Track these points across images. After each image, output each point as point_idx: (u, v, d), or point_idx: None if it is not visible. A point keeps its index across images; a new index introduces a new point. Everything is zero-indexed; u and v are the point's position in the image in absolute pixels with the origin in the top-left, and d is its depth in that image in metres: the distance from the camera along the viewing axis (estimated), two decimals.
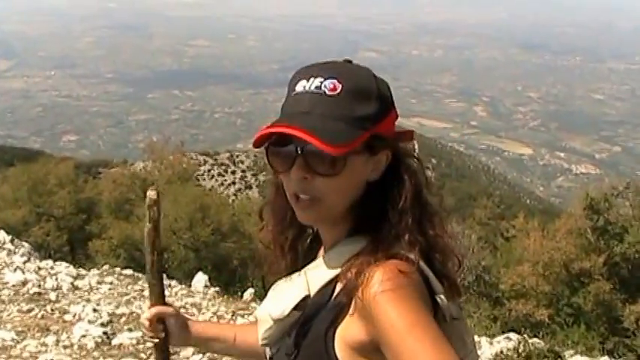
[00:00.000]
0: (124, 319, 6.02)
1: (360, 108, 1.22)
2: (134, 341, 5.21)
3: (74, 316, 5.84)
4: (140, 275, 7.96)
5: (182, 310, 6.69)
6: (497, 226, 22.35)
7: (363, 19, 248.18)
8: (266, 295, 1.40)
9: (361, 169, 1.24)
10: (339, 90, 1.21)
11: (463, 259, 1.34)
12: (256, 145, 1.25)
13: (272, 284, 1.39)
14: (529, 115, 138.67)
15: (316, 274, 1.30)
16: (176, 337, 1.60)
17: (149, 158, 24.34)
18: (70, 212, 19.22)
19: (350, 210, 1.28)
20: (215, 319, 6.54)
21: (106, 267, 8.81)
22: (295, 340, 1.29)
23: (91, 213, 20.04)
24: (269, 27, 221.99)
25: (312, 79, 1.23)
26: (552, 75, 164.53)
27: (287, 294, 1.32)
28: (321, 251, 1.38)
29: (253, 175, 53.79)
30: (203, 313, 6.69)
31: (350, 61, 1.30)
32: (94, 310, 5.88)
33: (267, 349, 1.42)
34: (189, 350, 5.08)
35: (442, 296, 1.24)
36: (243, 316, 6.68)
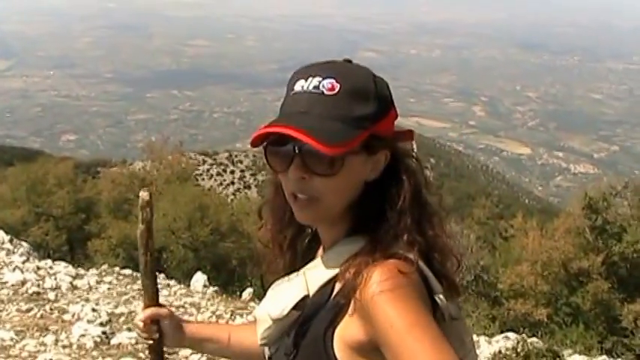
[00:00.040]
0: (122, 318, 6.02)
1: (358, 108, 1.21)
2: (133, 341, 5.21)
3: (73, 316, 5.84)
4: (139, 275, 7.94)
5: (181, 310, 6.71)
6: (496, 225, 22.36)
7: (362, 18, 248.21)
8: (265, 294, 1.40)
9: (359, 169, 1.24)
10: (337, 90, 1.21)
11: (462, 258, 1.34)
12: (254, 144, 1.25)
13: (271, 284, 1.39)
14: (528, 114, 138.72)
15: (315, 274, 1.30)
16: (170, 338, 1.60)
17: (148, 158, 24.31)
18: (69, 212, 19.21)
19: (349, 210, 1.27)
20: (214, 318, 6.54)
21: (104, 267, 8.81)
22: (294, 340, 1.29)
23: (90, 213, 20.02)
24: (268, 27, 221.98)
25: (310, 79, 1.23)
26: (551, 75, 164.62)
27: (286, 294, 1.32)
28: (320, 251, 1.38)
29: (252, 174, 53.84)
30: (202, 313, 6.69)
31: (350, 61, 1.30)
32: (93, 310, 5.88)
33: (266, 349, 1.42)
34: (188, 350, 5.08)
35: (441, 296, 1.24)
36: (242, 315, 6.68)
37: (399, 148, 1.29)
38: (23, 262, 7.63)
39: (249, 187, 51.55)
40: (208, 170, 53.92)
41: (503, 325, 11.99)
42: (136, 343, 5.19)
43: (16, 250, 8.33)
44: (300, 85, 1.24)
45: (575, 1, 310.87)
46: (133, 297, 6.95)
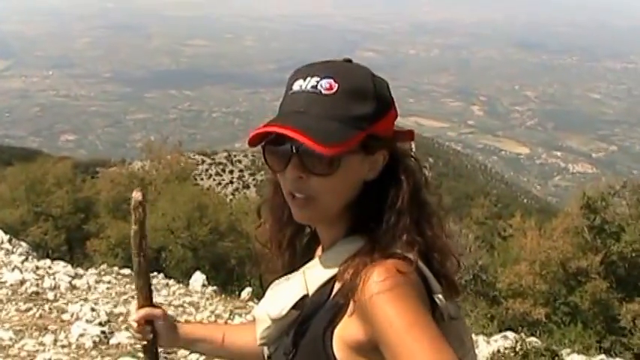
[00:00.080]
0: (121, 318, 6.01)
1: (356, 108, 1.21)
2: (132, 340, 5.20)
3: (72, 316, 5.83)
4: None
5: (180, 309, 6.71)
6: (495, 225, 22.38)
7: (361, 18, 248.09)
8: (264, 294, 1.40)
9: (357, 168, 1.24)
10: (335, 89, 1.21)
11: (461, 258, 1.35)
12: (251, 143, 1.26)
13: (269, 283, 1.39)
14: (526, 114, 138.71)
15: (314, 274, 1.30)
16: (164, 338, 1.60)
17: (147, 158, 24.33)
18: (68, 212, 19.22)
19: (347, 209, 1.28)
20: (213, 318, 6.54)
21: (103, 266, 8.81)
22: (293, 340, 1.29)
23: (89, 212, 20.03)
24: (267, 27, 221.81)
25: (308, 79, 1.23)
26: (549, 74, 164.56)
27: (285, 293, 1.32)
28: (319, 250, 1.38)
29: (251, 174, 53.83)
30: (201, 312, 6.69)
31: (350, 61, 1.30)
32: (92, 310, 5.88)
33: (265, 349, 1.42)
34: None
35: (440, 296, 1.24)
36: (240, 314, 6.68)
37: (397, 148, 1.29)
38: (22, 262, 7.62)
39: (247, 187, 51.52)
40: (207, 170, 53.90)
41: (501, 325, 12.01)
42: (135, 342, 5.19)
43: (15, 249, 8.33)
44: (298, 85, 1.25)
45: (573, 0, 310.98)
46: (132, 297, 6.94)
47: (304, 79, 1.24)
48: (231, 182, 53.72)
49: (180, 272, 13.71)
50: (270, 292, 1.37)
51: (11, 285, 6.63)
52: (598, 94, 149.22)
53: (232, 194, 44.83)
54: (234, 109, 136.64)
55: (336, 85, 1.21)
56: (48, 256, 9.80)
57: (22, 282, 6.71)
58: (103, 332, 5.37)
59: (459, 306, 1.34)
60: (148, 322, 1.58)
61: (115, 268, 8.57)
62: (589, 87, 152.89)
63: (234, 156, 57.36)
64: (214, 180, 52.46)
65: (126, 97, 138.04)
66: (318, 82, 1.22)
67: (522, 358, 6.54)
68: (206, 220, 16.73)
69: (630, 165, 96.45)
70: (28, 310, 5.96)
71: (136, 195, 1.52)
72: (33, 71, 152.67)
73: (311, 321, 1.26)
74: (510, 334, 7.63)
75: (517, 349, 6.66)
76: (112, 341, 5.29)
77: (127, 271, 8.34)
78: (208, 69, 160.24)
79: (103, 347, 5.20)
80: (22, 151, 52.13)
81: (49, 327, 5.56)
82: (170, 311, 6.41)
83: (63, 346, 5.15)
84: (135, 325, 1.58)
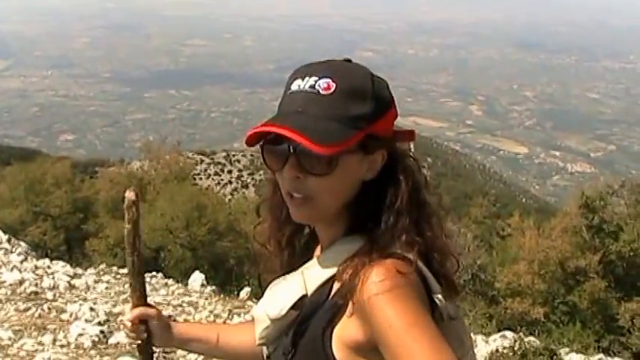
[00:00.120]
0: (120, 318, 6.01)
1: (354, 107, 1.21)
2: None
3: (71, 315, 5.83)
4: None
5: (179, 309, 6.71)
6: (493, 224, 22.39)
7: (359, 18, 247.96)
8: (262, 293, 1.40)
9: (355, 168, 1.24)
10: (333, 89, 1.21)
11: (460, 258, 1.35)
12: (249, 143, 1.26)
13: (268, 283, 1.39)
14: (524, 114, 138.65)
15: (313, 274, 1.30)
16: (158, 338, 1.60)
17: (146, 157, 24.31)
18: (67, 211, 19.21)
19: (346, 209, 1.28)
20: (212, 317, 6.54)
21: (102, 266, 8.80)
22: (292, 340, 1.29)
23: (87, 212, 20.03)
24: (265, 27, 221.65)
25: (307, 79, 1.24)
26: (547, 74, 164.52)
27: (284, 293, 1.32)
28: (318, 250, 1.38)
29: (250, 174, 53.74)
30: (200, 312, 6.69)
31: (349, 60, 1.31)
32: (91, 309, 5.87)
33: (264, 349, 1.42)
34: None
35: (440, 296, 1.24)
36: (239, 314, 6.68)
37: (396, 148, 1.29)
38: (21, 262, 7.62)
39: (246, 187, 51.44)
40: (206, 170, 53.83)
41: (500, 324, 11.99)
42: (130, 342, 5.19)
43: (14, 249, 8.32)
44: (297, 85, 1.25)
45: (571, 0, 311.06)
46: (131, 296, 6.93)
47: (302, 79, 1.24)
48: (230, 182, 53.65)
49: (179, 272, 13.71)
50: (269, 292, 1.37)
51: (10, 285, 6.63)
52: (596, 94, 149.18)
53: (231, 194, 44.77)
54: (233, 108, 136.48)
55: (334, 84, 1.21)
56: (47, 256, 9.79)
57: (21, 282, 6.70)
58: (101, 332, 5.37)
59: (458, 306, 1.34)
60: (142, 321, 1.58)
61: (114, 268, 8.56)
62: (587, 87, 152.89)
63: (233, 156, 57.26)
64: (213, 180, 52.37)
65: (125, 97, 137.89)
66: (316, 81, 1.22)
67: (521, 358, 6.54)
68: (205, 220, 16.73)
69: (629, 164, 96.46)
70: (27, 309, 5.96)
71: (129, 194, 1.52)
72: (32, 71, 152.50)
73: (310, 321, 1.27)
74: (509, 334, 7.62)
75: (516, 349, 6.66)
76: (111, 341, 5.29)
77: (125, 270, 8.31)
78: (207, 69, 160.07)
79: (102, 347, 5.21)
80: (21, 150, 52.04)
81: (48, 327, 5.56)
82: (169, 311, 6.42)
83: (62, 346, 5.15)
84: (129, 324, 1.58)
